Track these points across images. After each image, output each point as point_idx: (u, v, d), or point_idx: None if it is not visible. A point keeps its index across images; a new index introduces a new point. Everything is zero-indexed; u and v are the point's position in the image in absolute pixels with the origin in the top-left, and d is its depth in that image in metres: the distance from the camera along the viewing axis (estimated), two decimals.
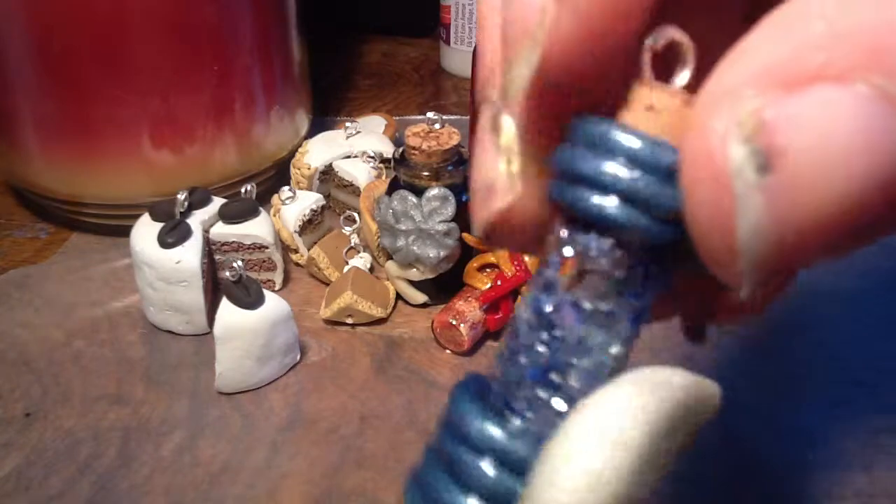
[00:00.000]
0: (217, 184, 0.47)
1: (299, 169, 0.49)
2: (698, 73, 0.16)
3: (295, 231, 0.44)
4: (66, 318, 0.42)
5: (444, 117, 0.42)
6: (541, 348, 0.15)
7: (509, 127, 0.15)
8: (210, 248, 0.42)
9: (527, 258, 0.40)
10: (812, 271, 0.49)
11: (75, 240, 0.49)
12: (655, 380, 0.13)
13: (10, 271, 0.45)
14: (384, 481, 0.32)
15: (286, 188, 0.46)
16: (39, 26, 0.42)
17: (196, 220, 0.41)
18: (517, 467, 0.14)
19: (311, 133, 0.53)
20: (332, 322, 0.41)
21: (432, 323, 0.40)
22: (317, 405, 0.36)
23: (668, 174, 0.13)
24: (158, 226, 0.40)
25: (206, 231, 0.42)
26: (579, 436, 0.13)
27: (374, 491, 0.32)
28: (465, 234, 0.40)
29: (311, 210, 0.45)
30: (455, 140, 0.40)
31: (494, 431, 0.15)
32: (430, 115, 0.42)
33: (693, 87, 0.14)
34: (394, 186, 0.41)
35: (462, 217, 0.40)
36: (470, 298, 0.39)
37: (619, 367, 0.15)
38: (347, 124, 0.51)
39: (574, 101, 0.15)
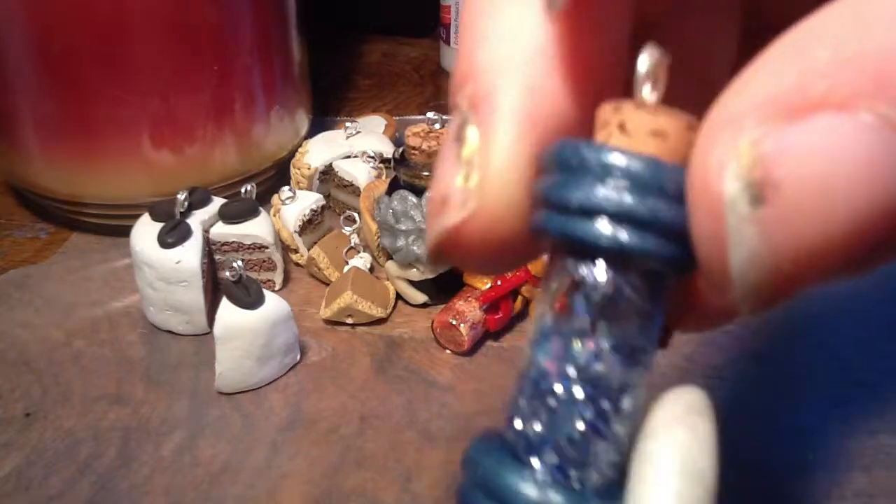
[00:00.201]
0: (217, 184, 0.47)
1: (299, 169, 0.49)
2: (699, 78, 0.15)
3: (295, 231, 0.44)
4: (66, 318, 0.42)
5: (444, 117, 0.42)
6: (580, 396, 0.14)
7: (473, 139, 0.15)
8: (210, 248, 0.42)
9: None
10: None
11: (75, 240, 0.49)
12: (696, 405, 0.14)
13: (10, 271, 0.45)
14: (384, 481, 0.32)
15: (286, 188, 0.46)
16: (39, 26, 0.42)
17: (196, 220, 0.41)
18: None
19: (311, 133, 0.53)
20: (332, 322, 0.41)
21: (432, 323, 0.40)
22: (317, 405, 0.36)
23: (676, 195, 0.13)
24: (158, 226, 0.40)
25: (206, 231, 0.42)
26: (663, 477, 0.13)
27: (374, 491, 0.32)
28: None
29: (311, 210, 0.45)
30: None
31: (532, 491, 0.13)
32: (430, 115, 0.42)
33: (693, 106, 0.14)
34: (394, 186, 0.41)
35: None
36: (470, 298, 0.39)
37: (644, 393, 0.14)
38: (347, 124, 0.51)
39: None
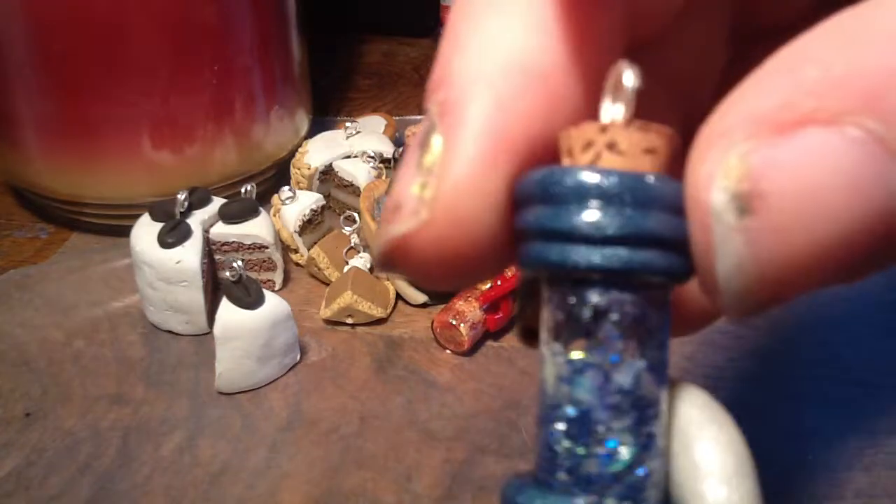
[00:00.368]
0: (217, 184, 0.47)
1: (299, 169, 0.49)
2: (680, 96, 0.15)
3: (295, 231, 0.44)
4: (66, 318, 0.42)
5: None
6: (629, 422, 0.14)
7: (436, 148, 0.14)
8: (210, 248, 0.42)
9: None
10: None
11: (75, 240, 0.49)
12: (705, 399, 0.15)
13: (10, 271, 0.45)
14: (384, 481, 0.32)
15: (286, 188, 0.46)
16: (39, 26, 0.42)
17: (196, 220, 0.41)
18: None
19: (311, 133, 0.53)
20: (332, 322, 0.41)
21: (432, 323, 0.40)
22: (317, 405, 0.36)
23: (679, 209, 0.13)
24: (158, 226, 0.40)
25: (206, 231, 0.42)
26: (724, 481, 0.14)
27: (374, 491, 0.32)
28: None
29: (311, 210, 0.45)
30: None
31: None
32: None
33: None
34: None
35: None
36: (470, 298, 0.39)
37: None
38: (347, 124, 0.51)
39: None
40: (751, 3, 0.19)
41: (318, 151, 0.50)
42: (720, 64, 0.19)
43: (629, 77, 0.13)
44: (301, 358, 0.39)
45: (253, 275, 0.42)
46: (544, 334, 0.14)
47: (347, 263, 0.43)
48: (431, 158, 0.14)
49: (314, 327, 0.41)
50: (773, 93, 0.12)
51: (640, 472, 0.14)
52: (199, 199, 0.42)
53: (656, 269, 0.13)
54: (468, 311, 0.39)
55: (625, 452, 0.14)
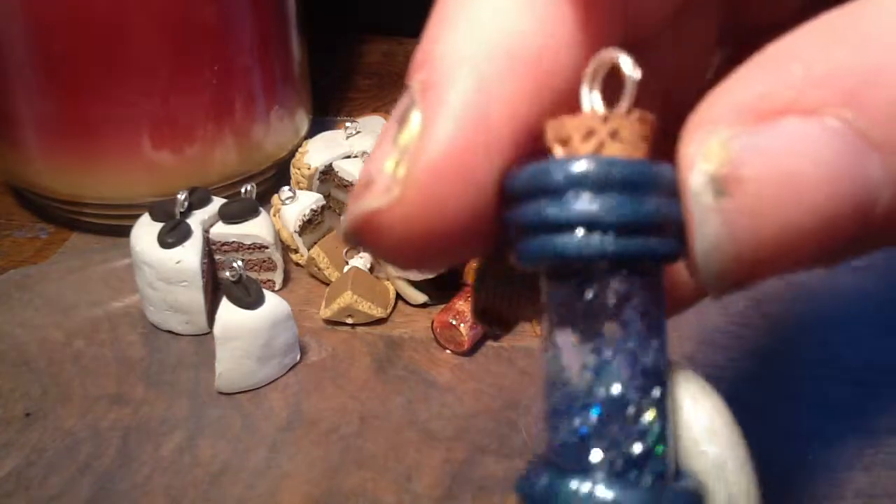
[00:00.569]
0: (217, 184, 0.47)
1: (299, 169, 0.49)
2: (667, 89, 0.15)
3: (295, 231, 0.44)
4: (66, 318, 0.42)
5: None
6: (656, 395, 0.14)
7: (415, 125, 0.14)
8: (210, 248, 0.42)
9: None
10: (812, 272, 0.49)
11: (75, 240, 0.49)
12: (691, 376, 0.15)
13: (10, 271, 0.45)
14: (384, 481, 0.32)
15: (286, 188, 0.46)
16: (39, 26, 0.42)
17: (196, 220, 0.41)
18: None
19: (311, 133, 0.53)
20: (332, 322, 0.41)
21: (432, 323, 0.40)
22: (317, 405, 0.36)
23: (672, 192, 0.13)
24: (158, 226, 0.40)
25: (206, 231, 0.42)
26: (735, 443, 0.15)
27: (374, 491, 0.32)
28: None
29: (311, 210, 0.45)
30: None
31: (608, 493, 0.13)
32: None
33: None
34: None
35: None
36: (470, 298, 0.39)
37: None
38: (347, 124, 0.51)
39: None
40: (743, 2, 0.19)
41: (318, 151, 0.50)
42: (707, 62, 0.19)
43: (629, 66, 0.13)
44: (301, 358, 0.39)
45: (253, 275, 0.42)
46: (555, 327, 0.14)
47: (347, 263, 0.43)
48: (408, 136, 0.14)
49: (314, 327, 0.41)
50: (756, 85, 0.12)
51: (667, 443, 0.14)
52: (199, 199, 0.42)
53: (667, 252, 0.13)
54: (468, 311, 0.39)
55: (655, 428, 0.14)
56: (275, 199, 0.46)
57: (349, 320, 0.41)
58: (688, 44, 0.19)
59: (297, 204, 0.45)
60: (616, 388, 0.14)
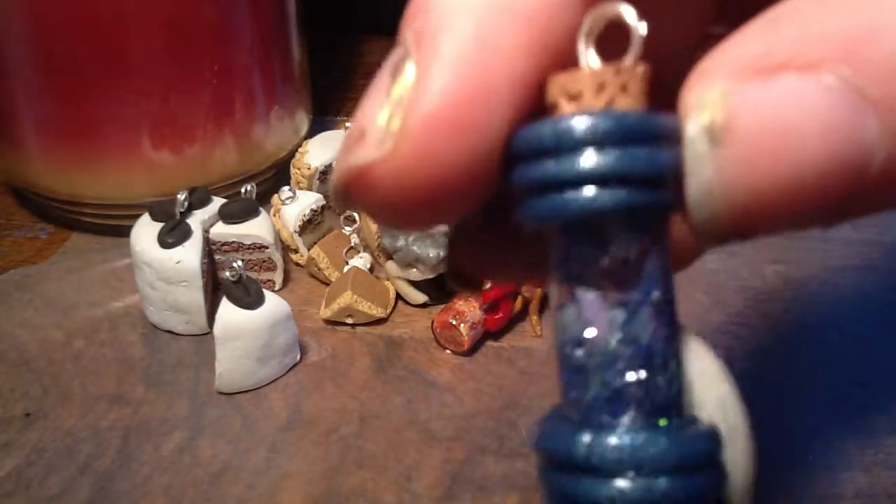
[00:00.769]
0: (217, 184, 0.47)
1: (299, 169, 0.49)
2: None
3: (295, 231, 0.44)
4: (66, 318, 0.42)
5: None
6: (669, 352, 0.15)
7: (409, 76, 0.14)
8: (210, 248, 0.42)
9: None
10: (812, 271, 0.48)
11: (75, 240, 0.49)
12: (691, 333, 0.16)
13: (10, 271, 0.45)
14: (384, 481, 0.32)
15: (286, 188, 0.46)
16: (40, 26, 0.42)
17: (196, 220, 0.41)
18: (641, 463, 0.14)
19: (311, 133, 0.53)
20: (332, 322, 0.41)
21: (432, 323, 0.40)
22: (317, 405, 0.36)
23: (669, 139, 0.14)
24: (158, 226, 0.40)
25: (206, 231, 0.42)
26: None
27: (374, 491, 0.32)
28: None
29: (311, 210, 0.45)
30: None
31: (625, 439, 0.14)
32: None
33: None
34: None
35: None
36: (470, 298, 0.39)
37: None
38: (347, 124, 0.51)
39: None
40: None
41: (318, 151, 0.50)
42: (698, 28, 0.19)
43: (633, 18, 0.13)
44: (301, 358, 0.39)
45: (253, 275, 0.42)
46: (576, 284, 0.14)
47: (347, 263, 0.43)
48: (402, 87, 0.14)
49: (314, 327, 0.41)
50: (757, 42, 0.13)
51: (683, 390, 0.15)
52: (199, 199, 0.42)
53: (679, 202, 0.14)
54: (468, 311, 0.39)
55: (678, 376, 0.14)
56: (275, 199, 0.46)
57: (349, 320, 0.41)
58: (683, 15, 0.18)
59: (297, 204, 0.45)
60: (644, 340, 0.14)
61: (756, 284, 0.45)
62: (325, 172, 0.50)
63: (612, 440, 0.14)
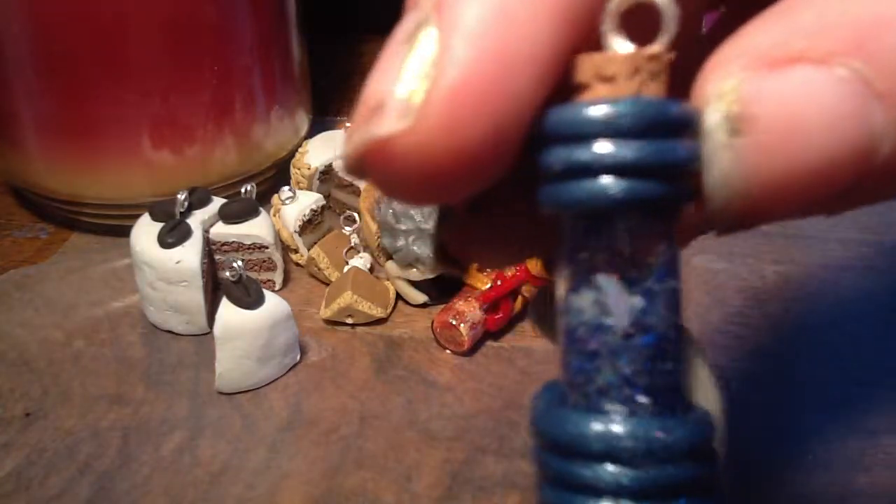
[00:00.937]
0: (217, 184, 0.47)
1: (299, 169, 0.49)
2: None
3: (295, 231, 0.44)
4: (66, 318, 0.42)
5: None
6: (678, 339, 0.15)
7: (431, 47, 0.13)
8: (210, 248, 0.42)
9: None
10: (812, 271, 0.48)
11: (75, 240, 0.49)
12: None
13: (10, 271, 0.45)
14: (384, 481, 0.32)
15: (286, 188, 0.46)
16: (39, 26, 0.42)
17: (196, 220, 0.41)
18: (633, 453, 0.14)
19: (311, 133, 0.53)
20: (332, 322, 0.41)
21: (432, 323, 0.40)
22: (317, 405, 0.36)
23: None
24: (158, 226, 0.40)
25: (206, 231, 0.42)
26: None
27: (374, 491, 0.32)
28: None
29: (311, 210, 0.45)
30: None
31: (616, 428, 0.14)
32: None
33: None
34: None
35: None
36: (470, 298, 0.39)
37: None
38: (347, 124, 0.51)
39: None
40: None
41: (318, 151, 0.50)
42: (700, 21, 0.19)
43: (669, 3, 0.14)
44: (301, 358, 0.39)
45: (253, 275, 0.42)
46: (597, 271, 0.14)
47: (347, 263, 0.43)
48: (422, 58, 0.13)
49: (314, 327, 0.41)
50: (770, 32, 0.13)
51: (686, 377, 0.15)
52: (199, 199, 0.42)
53: (696, 192, 0.14)
54: (468, 311, 0.39)
55: (683, 363, 0.15)
56: (275, 199, 0.46)
57: (349, 320, 0.41)
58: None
59: (297, 204, 0.45)
60: (660, 328, 0.14)
61: (756, 284, 0.45)
62: (326, 172, 0.50)
63: (624, 428, 0.14)
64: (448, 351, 0.40)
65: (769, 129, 0.13)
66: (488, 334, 0.40)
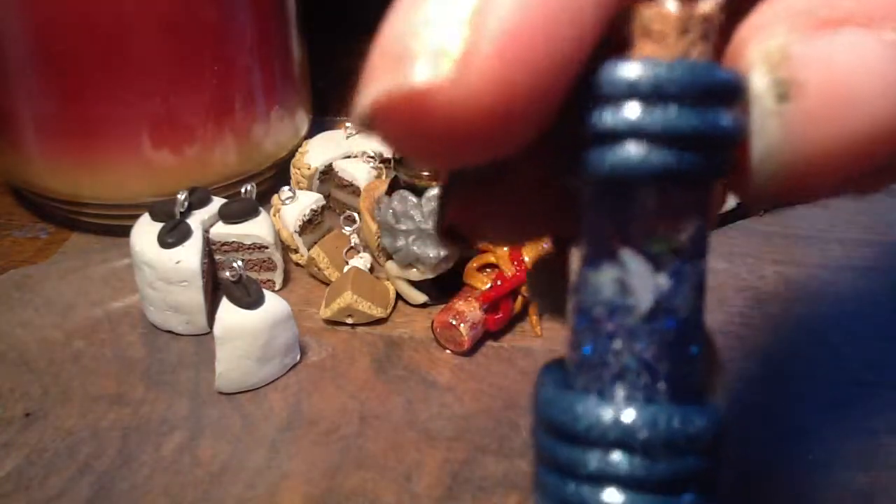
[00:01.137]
0: (217, 184, 0.47)
1: (299, 169, 0.49)
2: None
3: (295, 231, 0.44)
4: (66, 318, 0.42)
5: None
6: (701, 321, 0.14)
7: None
8: (210, 248, 0.42)
9: (526, 258, 0.40)
10: (812, 271, 0.48)
11: (75, 240, 0.49)
12: None
13: (10, 271, 0.45)
14: (384, 481, 0.32)
15: (286, 188, 0.46)
16: (39, 26, 0.42)
17: (196, 220, 0.41)
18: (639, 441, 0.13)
19: (311, 133, 0.53)
20: (332, 322, 0.41)
21: (432, 323, 0.40)
22: (317, 405, 0.36)
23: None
24: (158, 226, 0.40)
25: (206, 231, 0.42)
26: None
27: (374, 491, 0.32)
28: None
29: (311, 210, 0.45)
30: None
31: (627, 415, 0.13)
32: None
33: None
34: (394, 186, 0.41)
35: None
36: (470, 298, 0.39)
37: None
38: (347, 124, 0.51)
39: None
40: None
41: (318, 151, 0.50)
42: None
43: None
44: (301, 358, 0.39)
45: (253, 275, 0.42)
46: (623, 247, 0.13)
47: (347, 263, 0.43)
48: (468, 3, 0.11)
49: (314, 327, 0.41)
50: None
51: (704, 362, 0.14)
52: (199, 199, 0.42)
53: (735, 167, 0.13)
54: (468, 311, 0.39)
55: (702, 348, 0.14)
56: (275, 199, 0.46)
57: (349, 320, 0.41)
58: None
59: (297, 204, 0.45)
60: (684, 311, 0.13)
61: (756, 284, 0.45)
62: (326, 172, 0.50)
63: (641, 416, 0.13)
64: (448, 351, 0.40)
65: (818, 95, 0.12)
66: (488, 334, 0.40)
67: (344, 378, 0.38)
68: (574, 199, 0.14)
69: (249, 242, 0.42)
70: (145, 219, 0.41)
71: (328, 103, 0.64)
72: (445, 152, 0.12)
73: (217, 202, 0.43)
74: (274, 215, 0.45)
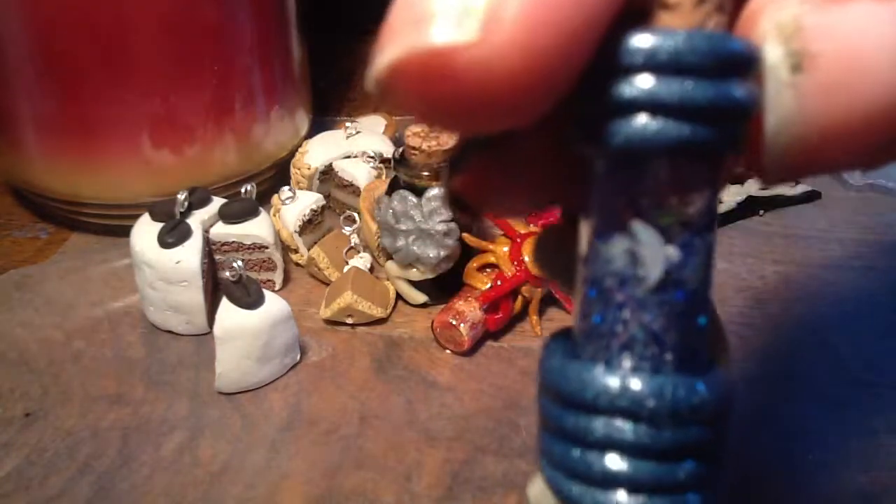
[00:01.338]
0: (217, 184, 0.47)
1: (299, 169, 0.49)
2: None
3: (295, 231, 0.44)
4: (66, 318, 0.41)
5: None
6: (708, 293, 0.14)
7: None
8: (210, 248, 0.42)
9: (526, 258, 0.40)
10: (811, 271, 0.48)
11: (75, 240, 0.49)
12: None
13: (10, 271, 0.45)
14: (384, 481, 0.32)
15: (286, 188, 0.46)
16: (39, 26, 0.42)
17: (196, 220, 0.41)
18: (643, 409, 0.13)
19: (311, 133, 0.53)
20: (332, 322, 0.41)
21: (432, 323, 0.40)
22: (317, 405, 0.36)
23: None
24: (158, 226, 0.40)
25: (206, 231, 0.42)
26: None
27: (374, 491, 0.32)
28: (465, 235, 0.40)
29: (311, 210, 0.45)
30: (455, 140, 0.40)
31: (631, 383, 0.13)
32: None
33: None
34: (394, 186, 0.41)
35: None
36: (470, 298, 0.39)
37: None
38: (347, 124, 0.51)
39: None
40: None
41: (318, 151, 0.50)
42: None
43: None
44: (301, 358, 0.39)
45: (253, 275, 0.42)
46: (634, 219, 0.13)
47: (347, 263, 0.43)
48: None
49: (314, 327, 0.41)
50: None
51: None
52: (199, 199, 0.42)
53: (746, 140, 0.13)
54: (468, 311, 0.39)
55: (709, 320, 0.14)
56: (275, 199, 0.46)
57: (349, 320, 0.41)
58: None
59: (297, 204, 0.45)
60: (693, 283, 0.13)
61: (756, 284, 0.45)
62: (326, 172, 0.50)
63: (648, 385, 0.13)
64: (448, 351, 0.40)
65: (832, 67, 0.12)
66: (488, 334, 0.40)
67: (344, 378, 0.38)
68: (584, 170, 0.14)
69: (249, 242, 0.42)
70: (145, 219, 0.41)
71: (328, 103, 0.65)
72: (463, 116, 0.12)
73: (217, 202, 0.43)
74: (274, 215, 0.45)
